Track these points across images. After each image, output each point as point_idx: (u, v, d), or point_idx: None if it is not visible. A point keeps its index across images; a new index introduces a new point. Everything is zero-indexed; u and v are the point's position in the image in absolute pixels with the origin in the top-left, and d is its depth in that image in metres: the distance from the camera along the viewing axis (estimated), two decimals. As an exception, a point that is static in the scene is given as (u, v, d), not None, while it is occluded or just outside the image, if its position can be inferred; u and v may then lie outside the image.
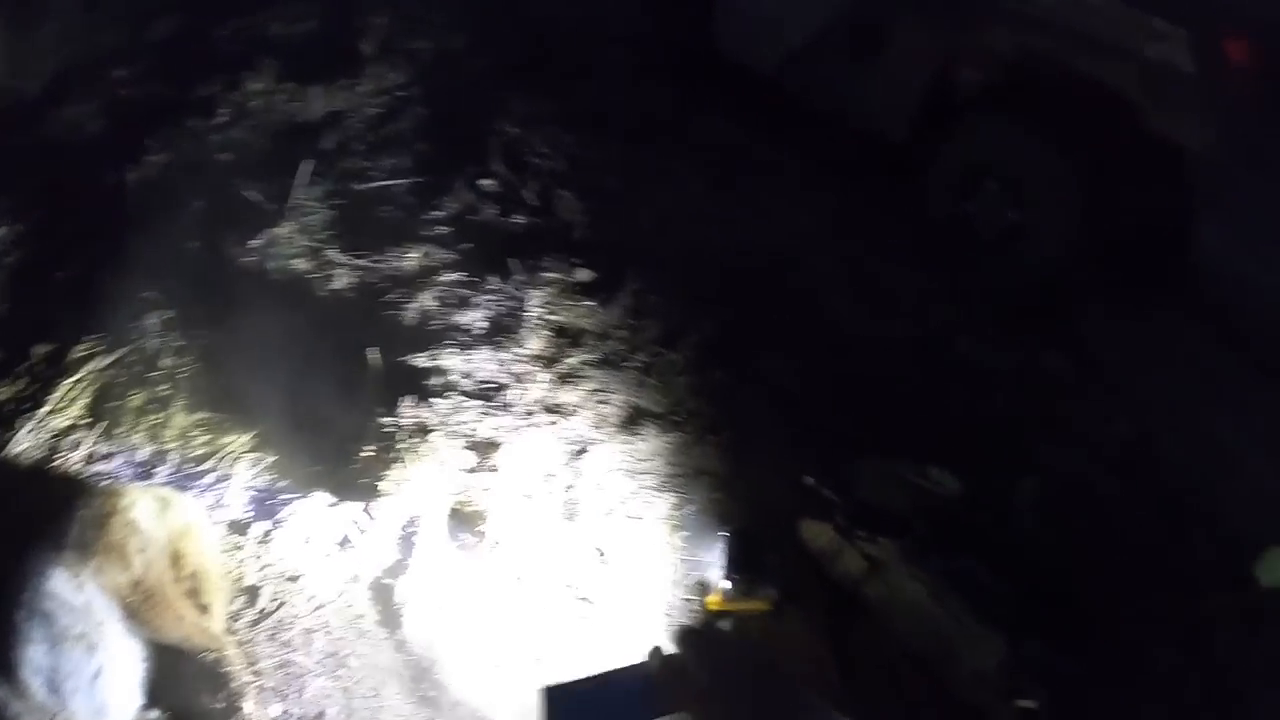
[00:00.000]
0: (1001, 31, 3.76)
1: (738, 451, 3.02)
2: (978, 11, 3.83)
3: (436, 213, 3.84)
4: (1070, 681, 2.51)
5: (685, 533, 2.79)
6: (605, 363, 3.25)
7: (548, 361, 3.21)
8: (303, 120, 4.64)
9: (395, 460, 2.81)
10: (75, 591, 2.36)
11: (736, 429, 3.09)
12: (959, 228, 3.98)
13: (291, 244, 3.63)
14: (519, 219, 3.85)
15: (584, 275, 3.58)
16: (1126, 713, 2.55)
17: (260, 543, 2.75)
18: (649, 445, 3.00)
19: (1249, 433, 3.39)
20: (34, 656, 2.26)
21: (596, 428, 3.00)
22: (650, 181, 4.26)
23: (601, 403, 3.10)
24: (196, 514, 2.67)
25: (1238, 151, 3.41)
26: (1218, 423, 3.47)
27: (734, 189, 4.32)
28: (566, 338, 3.31)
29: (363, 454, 2.84)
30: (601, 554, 2.73)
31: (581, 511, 2.78)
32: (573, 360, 3.21)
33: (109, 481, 2.95)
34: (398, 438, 2.84)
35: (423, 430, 2.87)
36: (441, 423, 2.90)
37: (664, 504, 2.86)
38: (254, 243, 3.64)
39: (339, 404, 3.00)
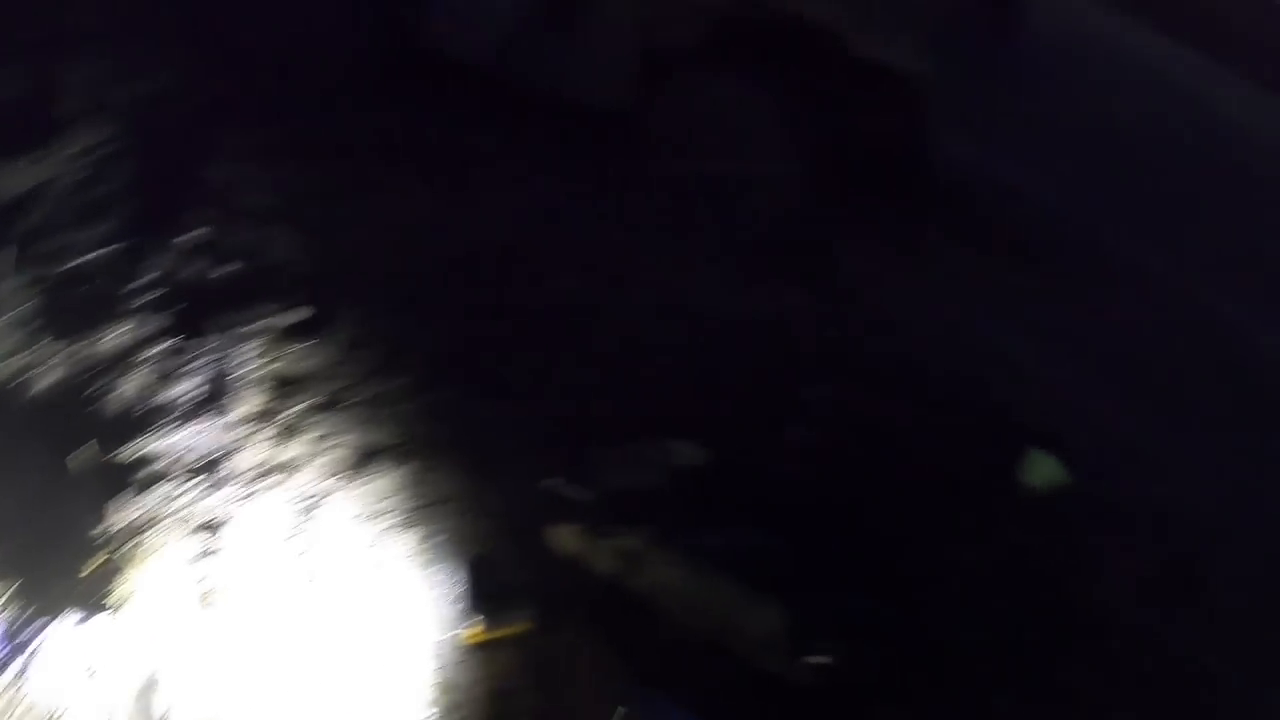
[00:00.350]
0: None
1: (477, 468, 3.08)
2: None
3: (144, 278, 3.71)
4: (876, 622, 2.65)
5: (437, 566, 2.83)
6: (329, 405, 3.25)
7: (267, 418, 3.18)
8: (6, 200, 4.38)
9: (119, 570, 2.75)
10: None
11: (472, 444, 3.15)
12: (684, 186, 4.08)
13: (6, 345, 3.45)
14: (230, 268, 3.78)
15: (298, 315, 3.55)
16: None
17: (14, 685, 2.65)
18: (386, 483, 3.03)
19: (1010, 328, 3.65)
20: None
21: (329, 477, 3.01)
22: (373, 201, 4.22)
23: (331, 449, 3.10)
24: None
25: (956, 66, 3.60)
26: (979, 325, 3.71)
27: (462, 191, 4.32)
28: (286, 387, 3.30)
29: (89, 567, 2.77)
30: (353, 608, 2.73)
31: (325, 572, 2.79)
32: (294, 410, 3.21)
33: None
34: (114, 542, 2.78)
35: (136, 531, 2.81)
36: (154, 516, 2.85)
37: (411, 540, 2.89)
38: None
39: (64, 514, 2.91)
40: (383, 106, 4.75)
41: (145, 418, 3.14)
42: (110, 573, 2.80)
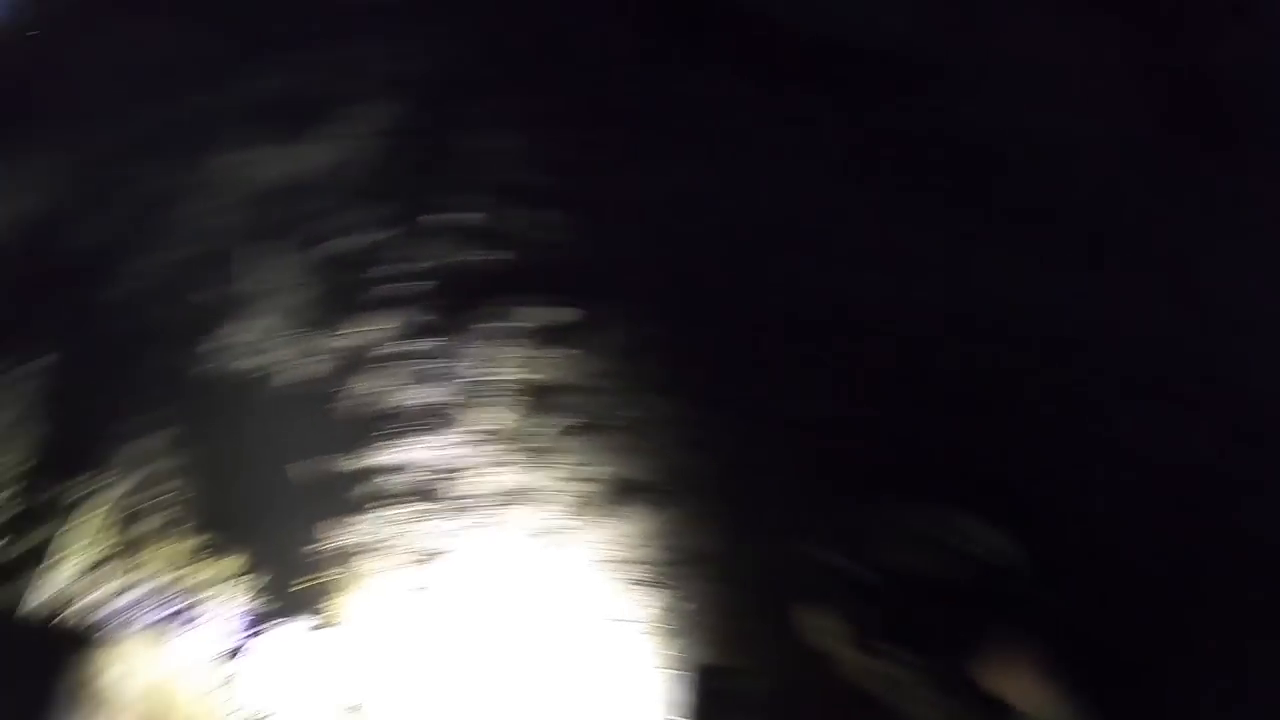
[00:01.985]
0: None
1: (738, 521, 2.67)
2: None
3: (411, 265, 3.70)
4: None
5: (676, 638, 2.50)
6: (588, 427, 2.98)
7: (514, 439, 3.00)
8: (285, 184, 4.60)
9: (339, 586, 2.74)
10: None
11: (737, 489, 2.74)
12: (995, 156, 3.39)
13: (276, 333, 3.60)
14: (500, 256, 3.64)
15: (567, 316, 3.31)
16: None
17: (240, 677, 2.77)
18: (638, 527, 2.71)
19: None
20: None
21: (572, 512, 2.77)
22: (642, 174, 3.93)
23: (581, 480, 2.85)
24: (180, 659, 2.75)
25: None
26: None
27: (740, 158, 3.89)
28: (542, 400, 3.10)
29: (312, 578, 2.79)
30: (576, 668, 2.52)
31: (555, 615, 2.61)
32: (547, 431, 2.99)
33: (109, 626, 3.08)
34: (333, 562, 2.77)
35: (367, 546, 2.78)
36: (384, 536, 2.79)
37: (657, 601, 2.57)
38: (245, 338, 3.65)
39: (302, 516, 2.96)
40: (651, 64, 4.42)
41: (390, 422, 3.10)
42: (324, 592, 2.81)
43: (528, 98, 4.49)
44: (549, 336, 3.23)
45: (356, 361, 3.36)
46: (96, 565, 3.26)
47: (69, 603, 3.16)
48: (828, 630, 2.27)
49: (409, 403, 3.10)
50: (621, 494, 2.70)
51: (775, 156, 3.75)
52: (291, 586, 2.78)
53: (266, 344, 3.54)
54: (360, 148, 4.53)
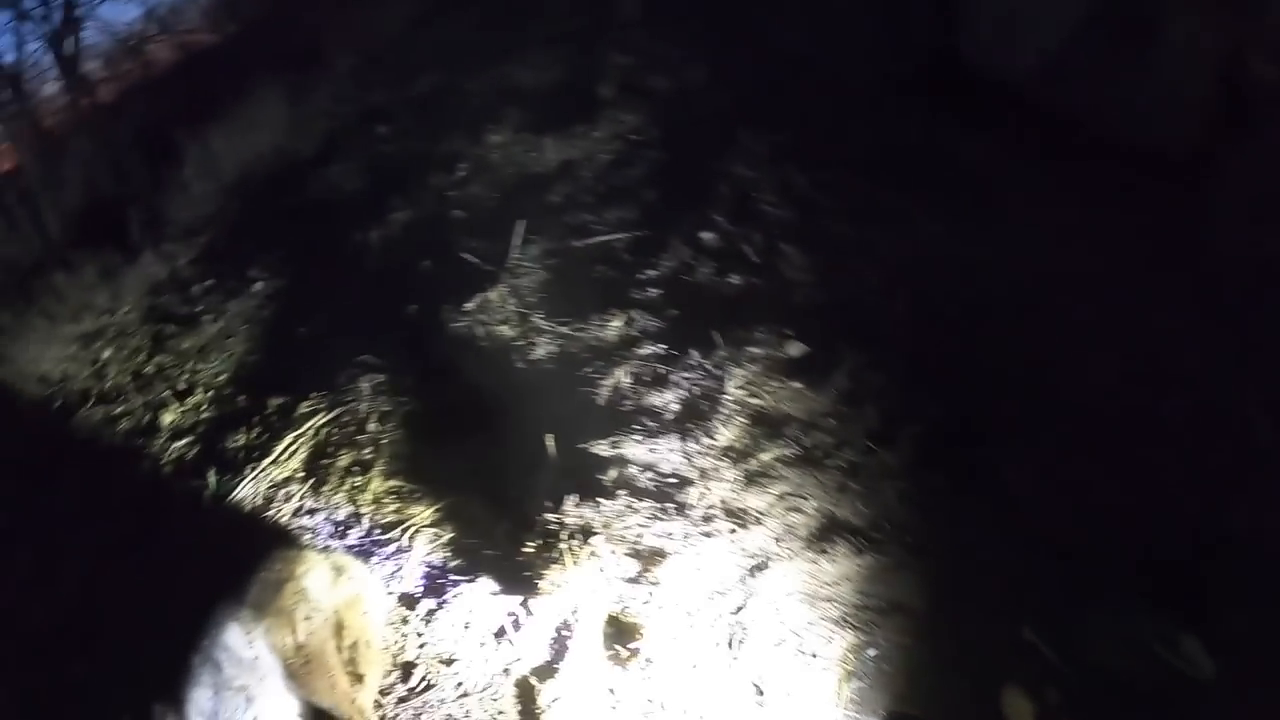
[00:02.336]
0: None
1: (944, 583, 2.58)
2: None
3: (650, 272, 3.73)
4: None
5: (860, 684, 2.43)
6: (804, 460, 2.94)
7: (738, 456, 2.97)
8: (536, 171, 4.78)
9: (556, 559, 2.73)
10: (245, 646, 2.54)
11: (947, 552, 2.65)
12: (1254, 268, 3.19)
13: (502, 308, 3.72)
14: (735, 279, 3.64)
15: (796, 349, 3.29)
16: None
17: (423, 620, 2.79)
18: (838, 567, 2.64)
19: None
20: (199, 698, 2.48)
21: (780, 540, 2.71)
22: (885, 224, 3.89)
23: (792, 510, 2.80)
24: (368, 585, 2.77)
25: None
26: None
27: (977, 223, 3.80)
28: (765, 426, 3.05)
29: (527, 547, 2.80)
30: (760, 692, 2.46)
31: (747, 638, 2.53)
32: (767, 456, 2.94)
33: (311, 537, 3.17)
34: (560, 536, 2.77)
35: (586, 532, 2.76)
36: (606, 525, 2.78)
37: (844, 641, 2.51)
38: (467, 306, 3.78)
39: (519, 487, 2.98)
40: (908, 119, 4.40)
41: (618, 418, 3.12)
42: (538, 563, 2.79)
43: (776, 133, 4.54)
44: (774, 365, 3.20)
45: (583, 354, 3.39)
46: (295, 480, 3.37)
47: (268, 504, 3.27)
48: (1016, 706, 2.16)
49: (628, 400, 3.08)
50: (827, 531, 2.63)
51: (1033, 231, 3.65)
52: (487, 549, 2.76)
53: (495, 317, 3.63)
54: (608, 150, 4.66)
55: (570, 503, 2.78)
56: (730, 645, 2.53)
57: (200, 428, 3.89)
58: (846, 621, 2.52)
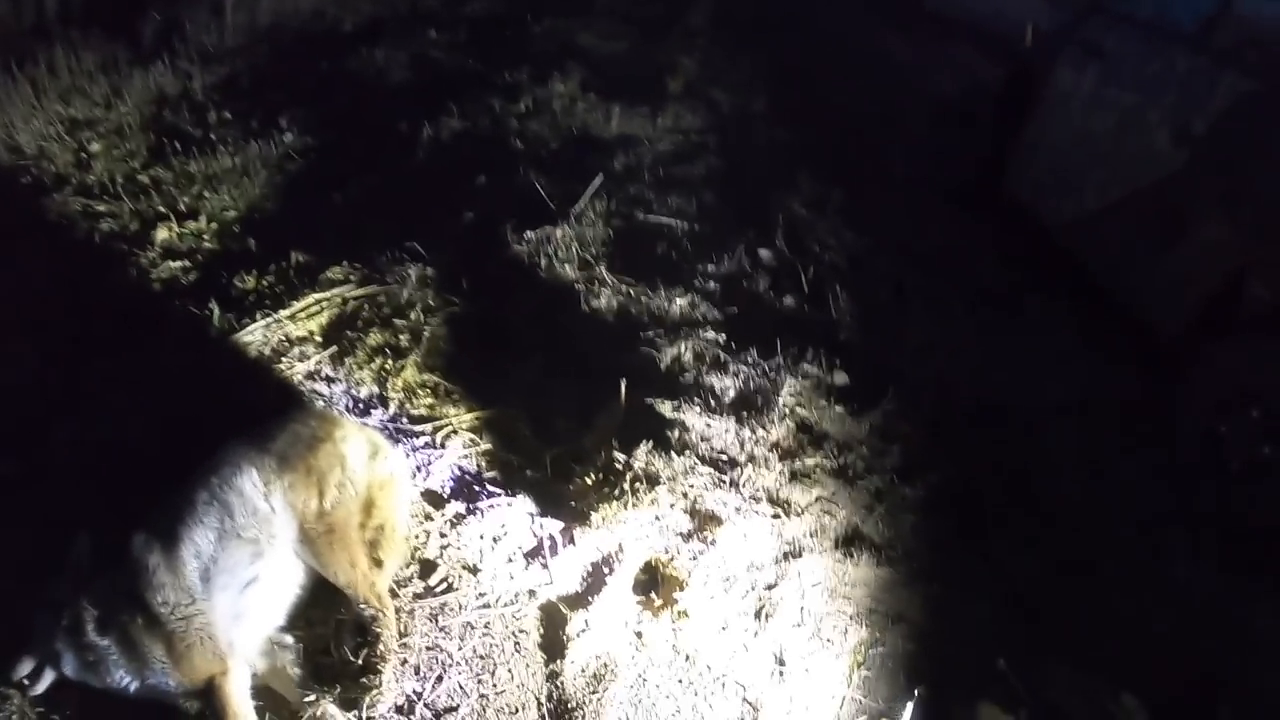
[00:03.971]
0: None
1: (941, 608, 2.79)
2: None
3: (710, 266, 3.80)
4: None
5: (867, 673, 2.59)
6: (840, 474, 3.06)
7: (785, 453, 3.05)
8: (598, 134, 4.79)
9: (615, 497, 2.71)
10: (261, 497, 2.31)
11: (946, 583, 2.86)
12: (1207, 445, 3.59)
13: (567, 249, 3.68)
14: (789, 301, 3.77)
15: (841, 379, 3.43)
16: None
17: (450, 523, 2.69)
18: (858, 572, 2.77)
19: None
20: (199, 539, 2.20)
21: (813, 535, 2.80)
22: (920, 302, 4.13)
23: (826, 513, 2.91)
24: (401, 470, 2.64)
25: None
26: None
27: (997, 335, 4.11)
28: (808, 435, 3.16)
29: (584, 478, 2.77)
30: (780, 663, 2.55)
31: (775, 614, 2.61)
32: (809, 461, 3.04)
33: (326, 405, 3.00)
34: (626, 476, 2.76)
35: (652, 479, 2.77)
36: (672, 479, 2.79)
37: (856, 635, 2.66)
38: (529, 234, 3.72)
39: (572, 420, 2.95)
40: (947, 217, 4.72)
41: (683, 388, 3.15)
42: (592, 496, 2.76)
43: (828, 186, 4.75)
44: (822, 387, 3.33)
45: (645, 316, 3.42)
46: (313, 343, 3.20)
47: (278, 357, 3.09)
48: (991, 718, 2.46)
49: (688, 373, 3.14)
50: (852, 539, 2.81)
51: (1037, 353, 3.98)
52: (529, 470, 2.73)
53: (558, 255, 3.61)
54: (673, 139, 4.74)
55: (644, 447, 2.77)
56: (758, 617, 2.59)
57: (200, 256, 3.61)
58: (859, 619, 2.66)
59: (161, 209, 3.80)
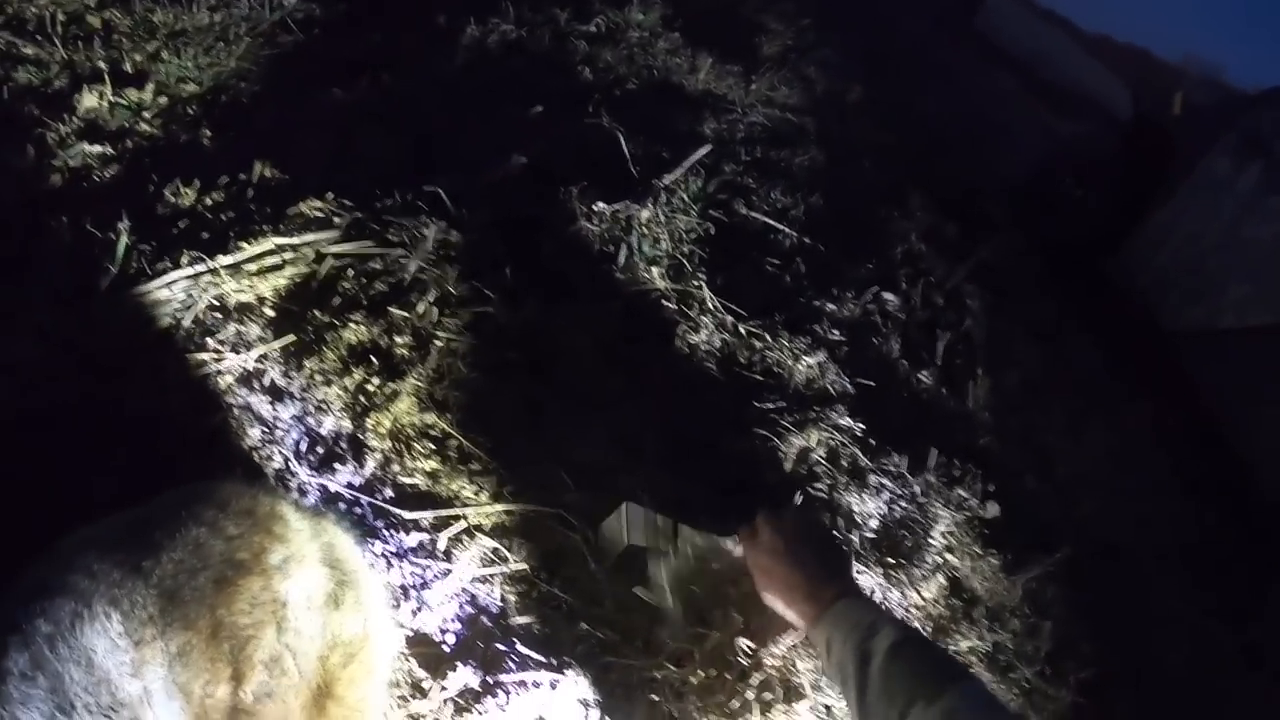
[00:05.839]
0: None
1: None
2: None
3: (830, 305, 2.69)
4: None
5: None
6: (992, 661, 2.07)
7: (937, 628, 2.02)
8: (680, 83, 3.58)
9: (726, 709, 1.59)
10: (125, 672, 1.14)
11: None
12: None
13: (654, 240, 2.49)
14: (925, 378, 2.68)
15: (993, 511, 2.39)
16: None
17: (454, 705, 1.54)
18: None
19: None
20: None
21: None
22: (1054, 401, 3.14)
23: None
24: (381, 618, 1.46)
25: None
26: None
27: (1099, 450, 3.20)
28: (960, 600, 2.13)
29: (681, 665, 1.63)
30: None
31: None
32: (964, 643, 2.02)
33: (264, 444, 1.77)
34: (750, 679, 1.63)
35: (792, 692, 1.65)
36: (816, 687, 1.69)
37: None
38: (602, 206, 2.51)
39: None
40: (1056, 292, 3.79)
41: (805, 502, 2.06)
42: (685, 693, 1.65)
43: (937, 216, 3.75)
44: (973, 522, 2.33)
45: (759, 370, 2.30)
46: (257, 318, 1.97)
47: (204, 334, 1.86)
48: None
49: (819, 484, 2.04)
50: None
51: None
52: (588, 624, 1.60)
53: (643, 248, 2.42)
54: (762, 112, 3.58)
55: (786, 640, 1.64)
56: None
57: (129, 141, 2.33)
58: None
59: (101, 64, 2.49)
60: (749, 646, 1.60)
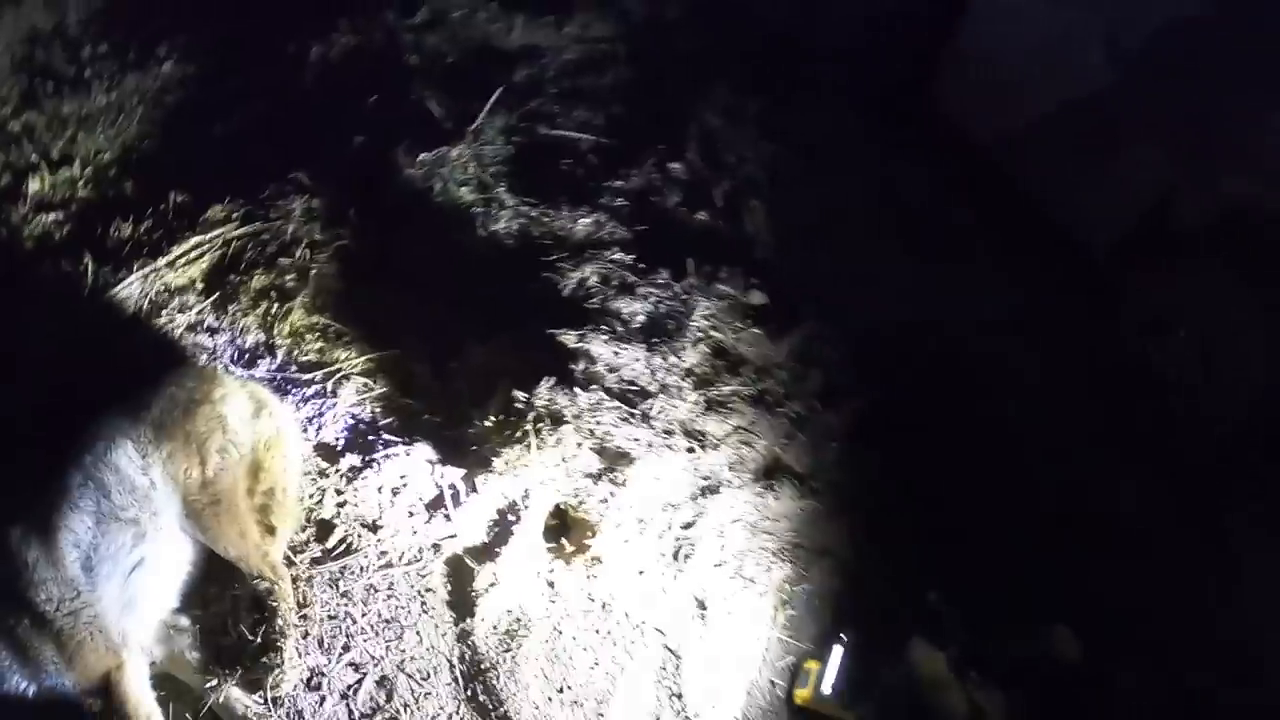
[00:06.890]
0: (1234, 178, 3.17)
1: (868, 541, 2.65)
2: (1213, 148, 3.23)
3: (618, 182, 3.49)
4: None
5: (792, 612, 2.45)
6: (758, 401, 2.87)
7: (700, 381, 2.83)
8: (498, 45, 4.37)
9: (518, 439, 2.48)
10: (139, 472, 2.09)
11: (873, 516, 2.72)
12: (1138, 365, 3.49)
13: (463, 169, 3.33)
14: (702, 216, 3.49)
15: (758, 298, 3.19)
16: None
17: (346, 478, 2.45)
18: (780, 505, 2.62)
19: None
20: (76, 526, 2.00)
21: (732, 469, 2.62)
22: (842, 222, 3.87)
23: (744, 443, 2.72)
24: (288, 426, 2.38)
25: None
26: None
27: (922, 256, 3.87)
28: (724, 361, 2.94)
29: (485, 421, 2.53)
30: (701, 607, 2.40)
31: (693, 554, 2.44)
32: (725, 388, 2.83)
33: (209, 360, 2.69)
34: (528, 417, 2.52)
35: (556, 418, 2.53)
36: (578, 416, 2.56)
37: (780, 573, 2.51)
38: (423, 156, 3.37)
39: (472, 358, 2.69)
40: (870, 133, 4.36)
41: (588, 314, 2.89)
42: (495, 439, 2.54)
43: (746, 96, 4.41)
44: (737, 308, 3.11)
45: (548, 239, 3.14)
46: (193, 291, 2.88)
47: (157, 310, 2.77)
48: (929, 658, 2.40)
49: (594, 299, 2.87)
50: (773, 470, 2.65)
51: (970, 277, 3.76)
52: (428, 414, 2.48)
53: (455, 176, 3.28)
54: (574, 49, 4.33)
55: (545, 385, 2.53)
56: (676, 558, 2.42)
57: (74, 205, 3.22)
58: (783, 555, 2.52)
59: (34, 159, 3.37)
60: (523, 396, 2.49)
